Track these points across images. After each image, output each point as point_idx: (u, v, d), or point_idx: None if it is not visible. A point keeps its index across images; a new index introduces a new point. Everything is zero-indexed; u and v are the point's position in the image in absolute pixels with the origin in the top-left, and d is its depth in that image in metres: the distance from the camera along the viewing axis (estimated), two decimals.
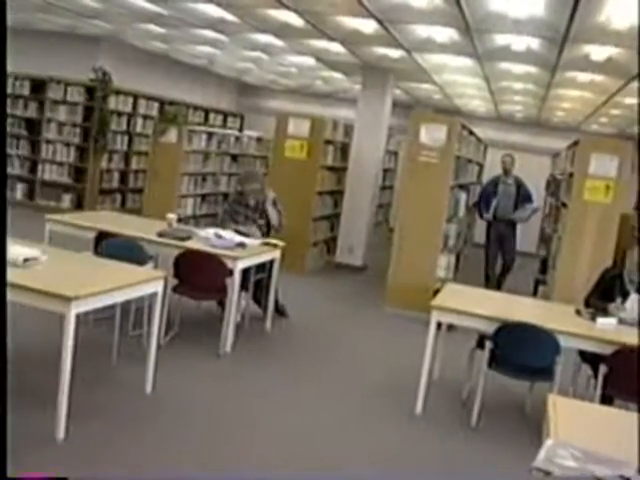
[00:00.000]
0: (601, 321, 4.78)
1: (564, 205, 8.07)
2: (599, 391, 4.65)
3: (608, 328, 4.67)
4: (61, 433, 3.80)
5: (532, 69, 8.55)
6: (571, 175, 7.70)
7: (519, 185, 9.46)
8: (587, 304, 5.21)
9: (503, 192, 9.39)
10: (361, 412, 4.97)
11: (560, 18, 5.91)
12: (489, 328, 4.74)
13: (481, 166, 12.84)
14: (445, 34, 7.33)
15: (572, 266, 7.17)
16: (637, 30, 5.88)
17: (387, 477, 4.09)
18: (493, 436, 4.78)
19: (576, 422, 2.87)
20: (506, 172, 9.46)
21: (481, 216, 9.73)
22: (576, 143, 7.91)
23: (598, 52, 7.00)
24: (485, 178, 14.14)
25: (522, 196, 9.39)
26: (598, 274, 5.40)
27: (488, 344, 4.74)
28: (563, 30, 6.22)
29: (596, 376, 4.81)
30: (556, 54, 7.26)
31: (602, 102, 10.12)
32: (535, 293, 8.98)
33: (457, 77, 10.26)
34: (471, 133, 9.85)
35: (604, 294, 5.15)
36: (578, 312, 5.07)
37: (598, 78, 8.39)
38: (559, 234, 8.06)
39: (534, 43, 7.12)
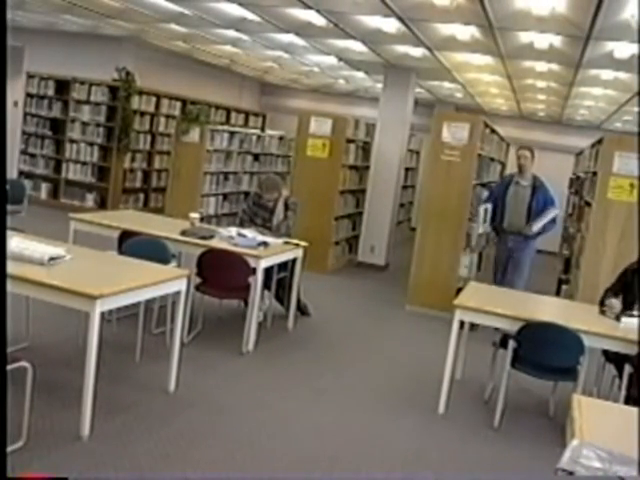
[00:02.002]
0: (625, 320, 4.74)
1: (588, 204, 8.01)
2: (624, 391, 4.62)
3: (632, 328, 4.62)
4: (86, 430, 3.83)
5: (555, 67, 8.49)
6: (595, 174, 7.63)
7: (536, 187, 7.29)
8: (603, 299, 5.15)
9: (514, 195, 7.32)
10: (383, 411, 4.96)
11: (584, 15, 5.86)
12: (512, 327, 4.72)
13: (503, 165, 12.78)
14: (467, 32, 7.30)
15: (596, 266, 7.11)
16: (637, 30, 5.84)
17: (409, 477, 4.09)
18: (516, 437, 4.76)
19: (601, 423, 2.85)
20: (521, 170, 7.38)
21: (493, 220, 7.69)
22: (600, 141, 7.84)
23: (622, 49, 6.93)
24: None
25: (538, 202, 7.21)
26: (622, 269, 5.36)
27: (511, 343, 4.71)
28: (587, 27, 6.17)
29: (621, 376, 4.77)
30: (579, 52, 7.20)
31: (626, 100, 10.02)
32: (558, 292, 8.92)
33: (479, 75, 10.21)
34: (493, 131, 9.80)
35: (624, 288, 5.10)
36: (602, 311, 5.03)
37: (622, 75, 8.31)
38: (582, 233, 8.01)
39: (557, 41, 7.07)
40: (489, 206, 7.47)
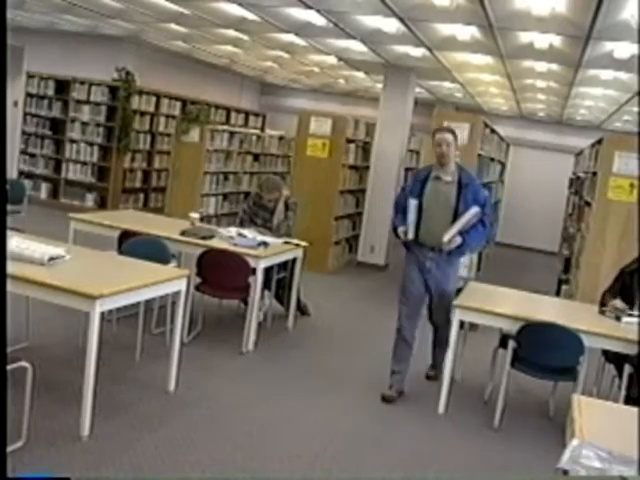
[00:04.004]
0: (626, 320, 4.75)
1: (587, 204, 8.02)
2: (624, 391, 4.63)
3: (633, 328, 4.62)
4: (85, 430, 3.83)
5: (555, 67, 8.50)
6: (595, 174, 7.64)
7: (463, 184, 5.13)
8: (602, 299, 5.16)
9: (433, 195, 5.15)
10: (383, 410, 4.96)
11: (584, 15, 5.86)
12: (512, 327, 4.72)
13: (503, 165, 12.78)
14: (467, 32, 7.30)
15: (596, 266, 7.11)
16: (637, 30, 5.84)
17: (409, 477, 4.09)
18: (516, 437, 4.75)
19: (601, 422, 2.85)
20: (442, 161, 5.15)
21: (396, 233, 5.35)
22: (600, 141, 7.84)
23: (622, 49, 6.94)
24: (508, 177, 14.14)
25: (467, 203, 5.06)
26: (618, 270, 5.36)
27: (511, 343, 4.72)
28: (587, 27, 6.17)
29: (620, 376, 4.78)
30: (579, 51, 7.20)
31: (626, 100, 10.02)
32: (558, 292, 8.92)
33: (479, 75, 10.21)
34: (493, 131, 9.80)
35: (622, 290, 5.10)
36: (602, 311, 5.03)
37: (622, 75, 8.31)
38: (582, 233, 8.01)
39: (557, 40, 7.07)
40: (414, 202, 5.11)
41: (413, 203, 5.06)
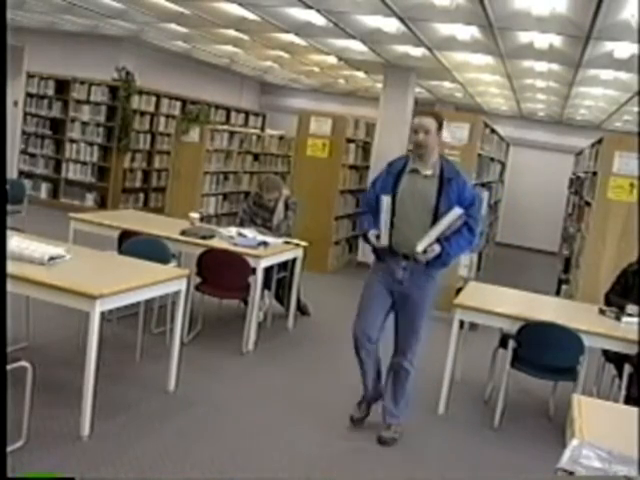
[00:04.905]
0: (626, 320, 4.75)
1: (587, 204, 8.02)
2: (624, 391, 4.62)
3: (633, 327, 4.62)
4: (86, 430, 3.83)
5: (555, 67, 8.49)
6: (595, 173, 7.64)
7: (445, 179, 4.17)
8: (607, 301, 5.17)
9: (409, 193, 4.21)
10: None
11: (584, 15, 5.86)
12: (512, 327, 4.72)
13: (503, 165, 12.77)
14: (467, 32, 7.30)
15: (596, 265, 7.11)
16: (637, 30, 5.84)
17: (409, 476, 4.09)
18: (516, 437, 4.75)
19: (601, 422, 2.85)
20: (420, 151, 4.20)
21: (365, 238, 4.35)
22: (600, 141, 7.84)
23: (622, 49, 6.94)
24: (507, 177, 14.13)
25: (450, 202, 4.11)
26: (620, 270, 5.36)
27: (511, 343, 4.71)
28: (587, 27, 6.17)
29: (620, 376, 4.78)
30: (579, 51, 7.20)
31: (626, 100, 10.02)
32: (558, 292, 8.92)
33: (479, 75, 10.21)
34: (493, 131, 9.80)
35: (625, 291, 5.10)
36: (602, 311, 5.03)
37: (622, 75, 8.31)
38: (582, 233, 8.01)
39: (557, 40, 7.08)
40: (387, 200, 4.17)
41: (386, 200, 4.13)
